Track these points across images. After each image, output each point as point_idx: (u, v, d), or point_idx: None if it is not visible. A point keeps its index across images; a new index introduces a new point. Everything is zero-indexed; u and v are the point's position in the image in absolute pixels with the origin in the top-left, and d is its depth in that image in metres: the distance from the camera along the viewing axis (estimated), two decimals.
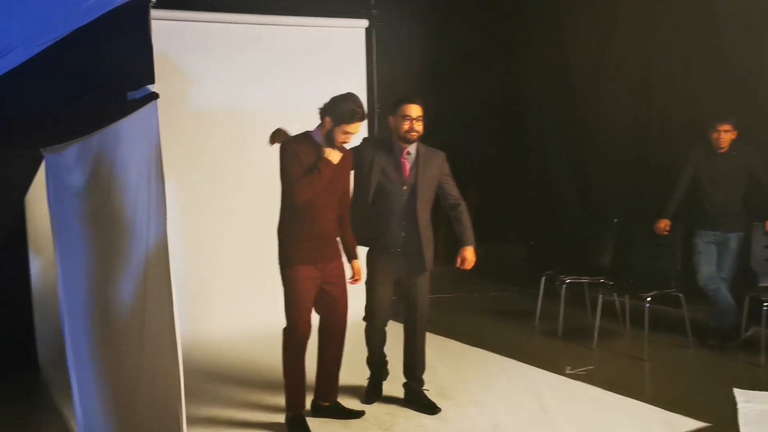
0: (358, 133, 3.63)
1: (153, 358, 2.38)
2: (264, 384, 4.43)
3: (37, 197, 4.11)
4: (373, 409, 4.05)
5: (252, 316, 5.54)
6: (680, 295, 5.07)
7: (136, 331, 2.45)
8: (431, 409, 4.06)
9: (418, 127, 3.88)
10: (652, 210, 5.51)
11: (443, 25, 8.11)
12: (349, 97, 3.58)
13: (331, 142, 3.58)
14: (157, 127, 2.06)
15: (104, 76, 2.17)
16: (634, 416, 3.93)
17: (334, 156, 3.56)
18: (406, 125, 3.86)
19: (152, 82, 2.09)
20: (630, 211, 6.34)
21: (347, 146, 3.70)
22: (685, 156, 5.36)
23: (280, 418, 3.84)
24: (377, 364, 4.22)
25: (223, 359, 5.07)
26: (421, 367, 4.16)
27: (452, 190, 4.12)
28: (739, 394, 4.17)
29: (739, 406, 3.99)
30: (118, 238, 2.48)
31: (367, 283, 4.06)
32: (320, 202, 3.61)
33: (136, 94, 2.12)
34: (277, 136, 3.75)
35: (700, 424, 3.76)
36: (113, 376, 2.77)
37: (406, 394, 4.19)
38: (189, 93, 5.72)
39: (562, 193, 7.45)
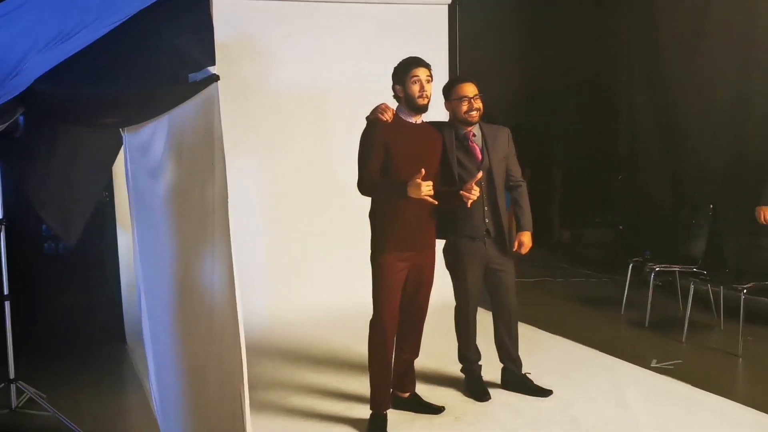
0: (427, 79, 3.44)
1: (221, 340, 2.39)
2: (343, 371, 4.42)
3: (123, 174, 4.25)
4: (446, 396, 3.98)
5: (334, 298, 5.59)
6: None
7: (205, 313, 2.48)
8: (541, 392, 3.96)
9: (478, 105, 3.73)
10: (752, 196, 5.14)
11: (528, 1, 7.84)
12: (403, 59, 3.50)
13: (411, 103, 3.46)
14: (218, 109, 2.04)
15: (167, 57, 2.17)
16: (723, 416, 3.68)
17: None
18: (464, 106, 3.72)
19: (213, 63, 2.07)
20: (727, 197, 5.96)
21: (425, 119, 3.59)
22: None
23: (356, 411, 3.78)
24: (473, 360, 4.05)
25: (304, 340, 5.12)
26: (517, 348, 4.06)
27: (515, 169, 3.96)
28: None
29: None
30: (187, 220, 2.51)
31: (454, 274, 3.94)
32: None
33: (197, 76, 2.11)
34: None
35: None
36: (185, 355, 2.81)
37: (505, 378, 4.08)
38: (271, 73, 5.77)
39: (654, 175, 7.10)
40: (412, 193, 3.24)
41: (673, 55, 6.75)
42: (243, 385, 2.22)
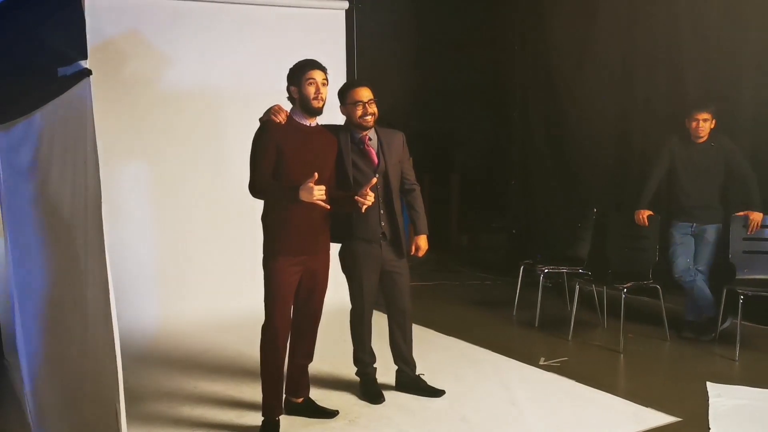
0: (323, 82, 3.43)
1: (95, 351, 2.27)
2: (236, 378, 4.33)
3: None
4: (340, 400, 3.97)
5: (228, 303, 5.47)
6: (657, 286, 5.01)
7: (78, 323, 2.35)
8: (434, 392, 4.01)
9: (373, 109, 3.75)
10: (632, 200, 5.44)
11: (425, 8, 8.00)
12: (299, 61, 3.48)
13: (305, 105, 3.43)
14: (91, 105, 1.94)
15: (34, 50, 2.05)
16: (604, 410, 3.86)
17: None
18: (359, 111, 3.72)
19: (84, 57, 1.96)
20: (610, 201, 6.28)
21: (320, 122, 3.57)
22: (661, 145, 5.28)
23: (248, 418, 3.70)
24: (368, 363, 4.05)
25: (196, 348, 4.97)
26: (411, 350, 4.09)
27: (409, 172, 4.01)
28: (711, 388, 4.12)
29: (711, 400, 3.93)
30: (58, 223, 2.37)
31: (350, 277, 3.93)
32: None
33: (67, 71, 2.00)
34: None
35: (670, 419, 3.69)
36: (59, 367, 2.67)
37: (399, 380, 4.11)
38: (161, 72, 5.60)
39: (544, 181, 7.37)
40: (303, 197, 3.22)
41: (562, 67, 7.05)
42: (119, 397, 2.12)
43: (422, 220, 4.03)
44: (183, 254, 5.60)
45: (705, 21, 5.70)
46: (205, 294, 5.56)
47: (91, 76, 1.96)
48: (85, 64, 1.98)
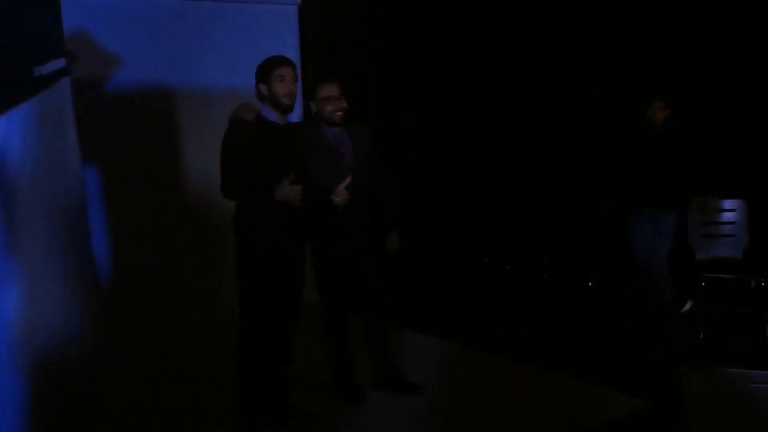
0: (293, 79, 3.35)
1: (81, 357, 2.15)
2: (206, 387, 4.16)
3: None
4: (319, 402, 3.88)
5: (194, 309, 5.32)
6: (620, 272, 5.10)
7: (62, 327, 2.21)
8: (412, 389, 3.98)
9: (343, 105, 3.69)
10: (593, 192, 5.51)
11: (380, 3, 7.94)
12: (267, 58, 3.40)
13: (276, 103, 3.34)
14: (71, 105, 1.82)
15: (8, 48, 1.91)
16: (580, 397, 3.89)
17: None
18: (329, 107, 3.67)
19: (62, 56, 1.84)
20: (571, 194, 6.35)
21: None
22: (618, 134, 5.38)
23: (228, 428, 3.57)
24: (345, 362, 3.97)
25: (159, 356, 4.79)
26: (388, 347, 4.05)
27: (380, 168, 3.95)
28: (681, 370, 4.19)
29: (683, 382, 4.00)
30: (33, 227, 2.22)
31: (325, 276, 3.84)
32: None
33: (44, 70, 1.87)
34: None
35: (646, 403, 3.75)
36: (39, 376, 2.52)
37: (377, 379, 4.05)
38: (112, 73, 5.39)
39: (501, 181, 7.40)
40: (279, 196, 3.15)
41: (515, 66, 7.09)
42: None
43: (395, 217, 3.99)
44: (143, 258, 5.40)
45: (658, 10, 5.82)
46: (167, 300, 5.38)
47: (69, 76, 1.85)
48: (63, 62, 1.86)
